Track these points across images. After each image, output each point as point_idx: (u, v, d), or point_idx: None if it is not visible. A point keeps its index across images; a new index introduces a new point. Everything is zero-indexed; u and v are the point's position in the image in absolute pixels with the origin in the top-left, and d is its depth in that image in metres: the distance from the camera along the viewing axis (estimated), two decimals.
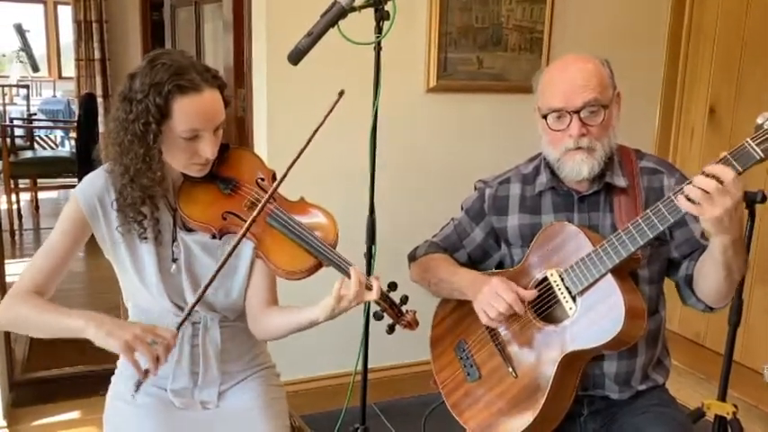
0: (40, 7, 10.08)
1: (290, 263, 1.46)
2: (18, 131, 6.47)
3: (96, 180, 1.52)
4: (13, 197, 5.27)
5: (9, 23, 8.94)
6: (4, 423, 2.43)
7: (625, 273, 1.54)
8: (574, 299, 1.53)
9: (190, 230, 1.56)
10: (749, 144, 1.29)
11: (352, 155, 2.25)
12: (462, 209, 1.83)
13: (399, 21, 2.52)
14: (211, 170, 1.52)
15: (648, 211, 1.43)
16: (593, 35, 2.89)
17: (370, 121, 1.87)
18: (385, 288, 1.45)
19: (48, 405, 2.58)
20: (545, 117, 1.59)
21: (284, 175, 1.44)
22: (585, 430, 1.67)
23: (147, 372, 1.36)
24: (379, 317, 1.48)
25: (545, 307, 1.58)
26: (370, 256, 1.96)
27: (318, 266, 1.46)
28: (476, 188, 1.82)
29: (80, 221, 1.51)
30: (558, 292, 1.55)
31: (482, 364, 1.65)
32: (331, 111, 1.44)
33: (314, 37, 1.74)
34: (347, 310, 1.42)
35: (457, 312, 1.73)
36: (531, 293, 1.56)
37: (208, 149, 1.44)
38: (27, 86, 7.49)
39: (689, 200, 1.33)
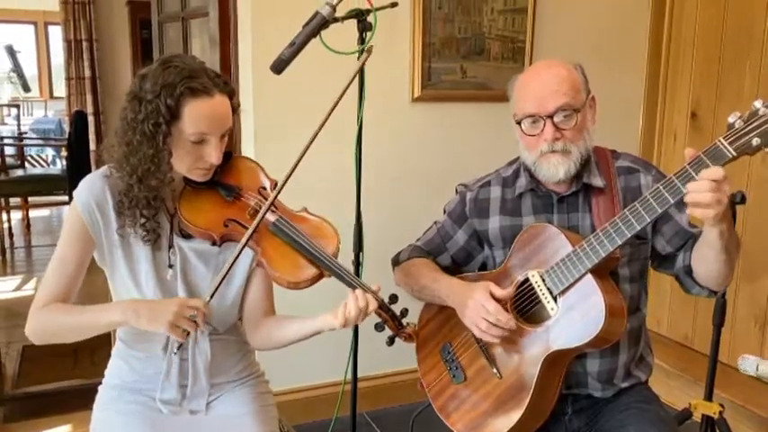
0: (30, 28, 10.14)
1: (292, 272, 1.47)
2: (9, 150, 6.47)
3: (94, 183, 1.51)
4: (4, 216, 5.27)
5: (0, 45, 8.98)
6: None
7: (605, 272, 1.56)
8: (555, 299, 1.55)
9: (186, 237, 1.56)
10: (721, 143, 1.32)
11: (338, 164, 2.27)
12: (445, 212, 1.85)
13: (383, 32, 2.57)
14: (214, 177, 1.53)
15: (626, 210, 1.46)
16: (574, 43, 2.94)
17: (356, 130, 1.91)
18: (387, 300, 1.47)
19: (39, 419, 2.58)
20: (519, 123, 1.62)
21: (286, 180, 1.46)
22: (570, 428, 1.68)
23: (188, 334, 1.41)
24: (380, 328, 1.50)
25: (527, 308, 1.60)
26: (357, 264, 1.99)
27: (319, 277, 1.48)
28: (457, 192, 1.85)
29: (82, 229, 1.50)
30: (540, 293, 1.57)
31: (467, 366, 1.67)
32: (325, 120, 1.48)
33: (296, 47, 1.77)
34: (352, 324, 1.44)
35: (441, 315, 1.75)
36: (507, 293, 1.57)
37: (213, 155, 1.45)
38: (18, 106, 7.49)
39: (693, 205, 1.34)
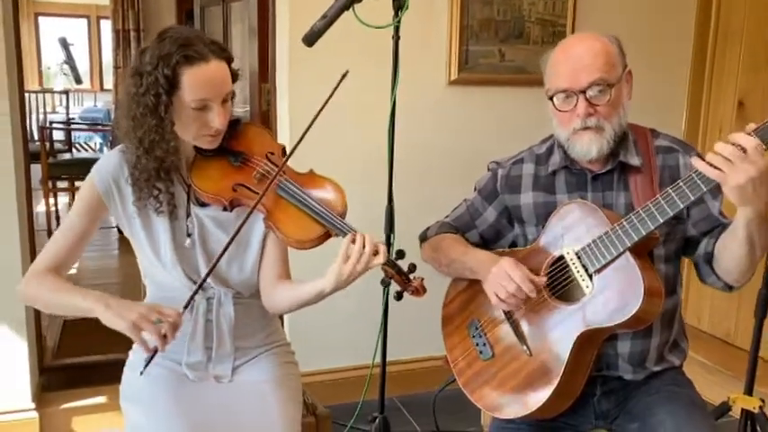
0: (83, 22, 10.41)
1: (299, 232, 1.49)
2: (58, 136, 6.66)
3: (111, 159, 1.57)
4: (52, 200, 5.42)
5: (55, 37, 9.24)
6: (33, 405, 2.48)
7: (643, 252, 1.52)
8: (590, 277, 1.51)
9: (203, 205, 1.59)
10: None
11: (372, 146, 2.27)
12: (475, 189, 1.83)
13: (420, 13, 2.58)
14: (222, 144, 1.56)
15: (669, 188, 1.42)
16: (616, 29, 2.81)
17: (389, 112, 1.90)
18: (393, 256, 1.46)
19: (76, 390, 2.64)
20: (552, 98, 1.59)
21: (294, 148, 1.48)
22: (598, 410, 1.64)
23: (155, 350, 1.39)
24: (386, 283, 1.48)
25: (560, 285, 1.57)
26: (388, 245, 1.98)
27: (327, 236, 1.49)
28: (489, 169, 1.82)
29: (96, 202, 1.56)
30: (575, 271, 1.54)
31: (495, 343, 1.64)
32: (334, 91, 1.46)
33: (328, 19, 1.78)
34: (355, 278, 1.43)
35: (470, 290, 1.73)
36: (541, 280, 1.55)
37: (217, 120, 1.48)
38: (67, 92, 7.72)
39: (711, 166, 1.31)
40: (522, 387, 1.57)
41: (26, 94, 6.96)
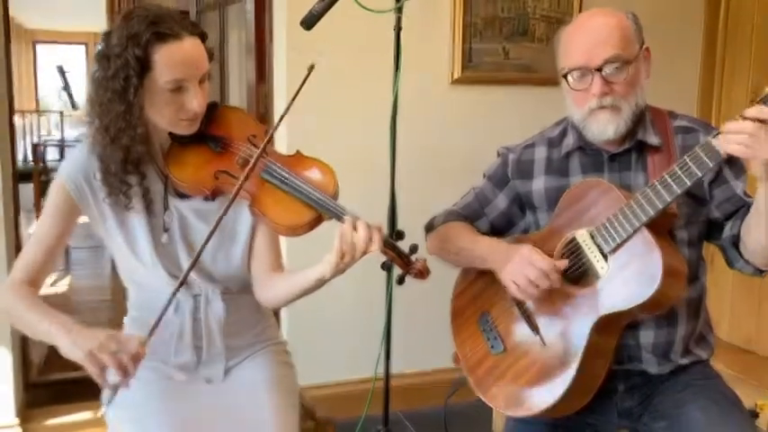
0: (81, 48, 10.46)
1: (288, 217, 1.38)
2: (53, 155, 6.62)
3: (78, 155, 1.45)
4: None
5: (52, 64, 9.29)
6: (17, 421, 2.38)
7: (662, 230, 1.41)
8: (605, 258, 1.40)
9: (183, 197, 1.48)
10: None
11: (373, 144, 2.17)
12: (484, 176, 1.73)
13: (422, 10, 2.51)
14: (200, 130, 1.44)
15: (685, 157, 1.33)
16: None
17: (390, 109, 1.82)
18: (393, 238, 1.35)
19: (61, 406, 2.54)
20: (566, 77, 1.50)
21: (275, 127, 1.38)
22: (621, 408, 1.52)
23: (116, 387, 1.26)
24: (387, 267, 1.36)
25: (574, 270, 1.46)
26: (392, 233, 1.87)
27: (319, 219, 1.38)
28: (498, 154, 1.72)
29: (68, 206, 1.44)
30: (588, 252, 1.43)
31: (507, 335, 1.53)
32: (302, 85, 1.36)
33: (327, 2, 1.70)
34: (353, 263, 1.32)
35: (480, 282, 1.62)
36: (563, 263, 1.44)
37: (194, 102, 1.37)
38: (61, 112, 7.76)
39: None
40: (536, 381, 1.45)
41: (24, 117, 6.90)
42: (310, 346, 2.57)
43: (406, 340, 2.15)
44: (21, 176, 3.95)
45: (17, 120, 6.75)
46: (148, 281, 1.49)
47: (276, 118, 2.68)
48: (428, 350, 2.61)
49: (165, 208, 1.47)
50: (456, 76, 2.63)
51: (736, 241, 1.46)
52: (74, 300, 3.77)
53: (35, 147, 5.42)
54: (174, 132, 1.43)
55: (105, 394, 1.32)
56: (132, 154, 1.39)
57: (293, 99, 1.37)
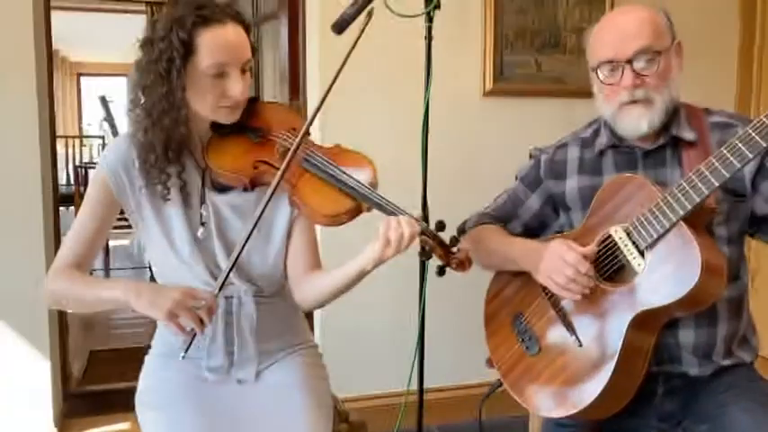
0: (123, 80, 10.77)
1: (328, 206, 1.38)
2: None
3: (118, 144, 1.47)
4: None
5: (95, 95, 9.59)
6: (56, 431, 2.42)
7: (700, 225, 1.38)
8: (642, 254, 1.38)
9: (221, 191, 1.49)
10: None
11: (404, 156, 2.17)
12: (517, 178, 1.72)
13: (453, 21, 2.52)
14: (241, 121, 1.46)
15: (723, 148, 1.29)
16: None
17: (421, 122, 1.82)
18: (433, 227, 1.34)
19: (99, 417, 2.58)
20: (596, 71, 1.49)
21: (317, 110, 1.39)
22: (662, 412, 1.48)
23: (193, 333, 1.32)
24: (427, 256, 1.34)
25: (609, 267, 1.44)
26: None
27: (359, 209, 1.37)
28: (531, 156, 1.71)
29: (109, 200, 1.46)
30: (624, 249, 1.40)
31: (542, 336, 1.50)
32: (361, 33, 1.39)
33: (359, 5, 1.72)
34: (397, 253, 1.30)
35: (513, 284, 1.60)
36: (590, 249, 1.42)
37: (236, 88, 1.38)
38: (102, 137, 7.93)
39: None
40: (572, 381, 1.42)
41: (67, 144, 7.06)
42: (343, 359, 2.55)
43: (438, 354, 2.13)
44: (63, 198, 4.08)
45: (60, 147, 6.96)
46: (183, 278, 1.46)
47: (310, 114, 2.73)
48: (462, 364, 2.57)
49: (202, 201, 1.48)
50: (488, 89, 2.63)
51: None
52: (114, 316, 3.84)
53: (76, 169, 5.54)
54: (215, 120, 1.45)
55: (183, 344, 1.35)
56: (175, 135, 1.40)
57: (350, 52, 1.37)
